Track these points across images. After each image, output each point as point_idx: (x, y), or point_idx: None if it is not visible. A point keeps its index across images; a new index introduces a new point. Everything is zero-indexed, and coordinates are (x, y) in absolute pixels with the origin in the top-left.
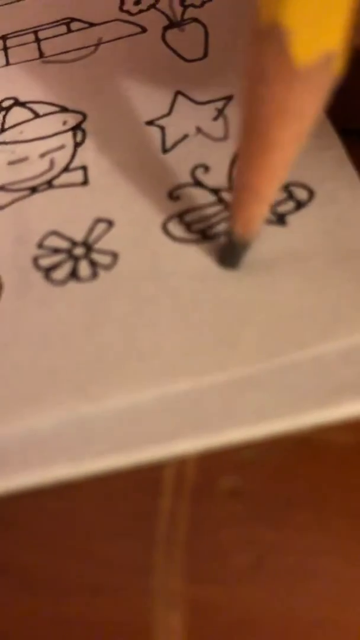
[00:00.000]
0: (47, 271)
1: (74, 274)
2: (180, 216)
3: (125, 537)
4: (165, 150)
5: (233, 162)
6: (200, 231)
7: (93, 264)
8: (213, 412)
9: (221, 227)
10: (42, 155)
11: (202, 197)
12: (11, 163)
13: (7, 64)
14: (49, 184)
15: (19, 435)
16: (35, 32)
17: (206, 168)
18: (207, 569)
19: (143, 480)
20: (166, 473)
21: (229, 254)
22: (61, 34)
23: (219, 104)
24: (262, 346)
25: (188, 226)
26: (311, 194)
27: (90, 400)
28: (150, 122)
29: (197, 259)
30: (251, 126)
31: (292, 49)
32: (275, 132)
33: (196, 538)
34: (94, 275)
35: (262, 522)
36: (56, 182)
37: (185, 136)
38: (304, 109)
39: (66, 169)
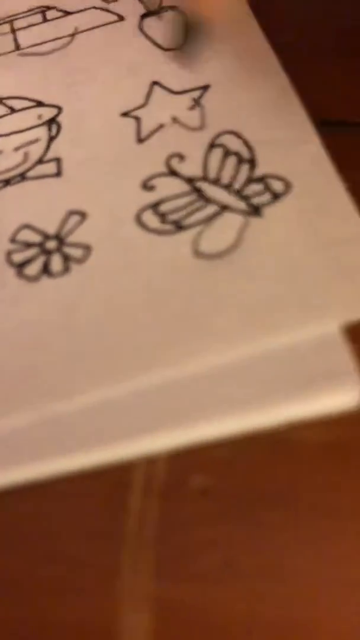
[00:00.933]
0: (20, 267)
1: (46, 269)
2: (154, 206)
3: (94, 537)
4: (140, 141)
5: (208, 151)
6: (174, 222)
7: (65, 258)
8: (183, 406)
9: (195, 217)
10: (17, 149)
11: (176, 186)
12: None
13: None
14: (22, 177)
15: None
16: (11, 22)
17: (181, 157)
18: (176, 568)
19: (112, 480)
20: (135, 472)
21: (185, 38)
22: (36, 24)
23: (195, 94)
24: (234, 335)
25: (162, 217)
26: (287, 185)
27: (60, 398)
28: (125, 114)
29: (171, 249)
30: None
31: None
32: None
33: (166, 537)
34: (67, 269)
35: (233, 521)
36: (29, 174)
37: (160, 126)
38: None
39: (40, 161)
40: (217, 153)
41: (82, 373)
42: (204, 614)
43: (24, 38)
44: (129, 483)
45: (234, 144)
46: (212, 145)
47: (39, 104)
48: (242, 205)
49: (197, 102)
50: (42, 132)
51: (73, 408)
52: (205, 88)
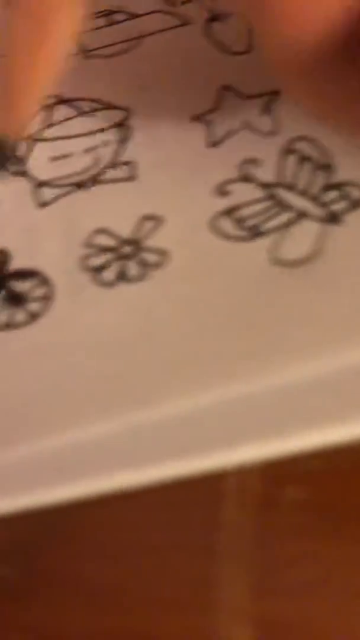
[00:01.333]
0: (96, 272)
1: (123, 275)
2: (229, 212)
3: (186, 549)
4: (211, 145)
5: (283, 157)
6: (250, 228)
7: (142, 264)
8: (274, 417)
9: (271, 223)
10: (87, 152)
11: (251, 192)
12: (55, 159)
13: None
14: (94, 180)
15: (76, 442)
16: None
17: (255, 162)
18: (272, 582)
19: (205, 490)
20: (229, 482)
21: None
22: (102, 27)
23: (266, 99)
24: (319, 347)
25: (238, 223)
26: None
27: (146, 406)
28: (196, 118)
29: (247, 256)
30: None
31: None
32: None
33: (261, 550)
34: (144, 275)
35: (329, 534)
36: (101, 178)
37: (232, 131)
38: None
39: (111, 165)
40: (292, 159)
41: (167, 380)
42: (302, 628)
43: (89, 41)
44: (222, 494)
45: (309, 149)
46: (286, 151)
47: (107, 105)
48: (320, 212)
49: (268, 107)
50: (111, 135)
51: (162, 415)
52: (276, 93)
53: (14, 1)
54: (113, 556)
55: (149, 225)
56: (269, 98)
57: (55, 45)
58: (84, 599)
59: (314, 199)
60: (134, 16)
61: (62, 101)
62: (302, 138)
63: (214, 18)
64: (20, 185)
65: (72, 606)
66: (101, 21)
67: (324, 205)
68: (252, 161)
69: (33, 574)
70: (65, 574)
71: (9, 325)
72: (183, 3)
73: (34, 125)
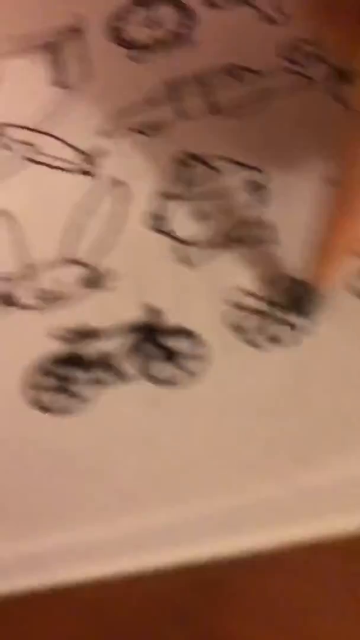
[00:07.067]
0: (247, 333)
1: (275, 338)
2: None
3: (340, 615)
4: None
5: None
6: None
7: (293, 328)
8: None
9: None
10: (225, 211)
11: None
12: (195, 218)
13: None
14: (238, 240)
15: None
16: (201, 81)
17: None
18: None
19: (349, 551)
20: None
21: (304, 303)
22: (228, 84)
23: None
24: None
25: None
26: None
27: (310, 469)
28: (331, 181)
29: None
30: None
31: None
32: None
33: None
34: (297, 340)
35: None
36: (244, 238)
37: None
38: None
39: (252, 225)
40: None
41: (327, 443)
42: None
43: (217, 98)
44: None
45: None
46: None
47: (242, 165)
48: None
49: None
50: (248, 195)
51: (323, 477)
52: None
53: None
54: (260, 616)
55: (299, 289)
56: None
57: None
58: None
59: None
60: (256, 72)
61: (201, 160)
62: None
63: (337, 77)
64: (164, 244)
65: None
66: (225, 78)
67: None
68: None
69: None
70: (208, 627)
71: (166, 383)
72: (307, 62)
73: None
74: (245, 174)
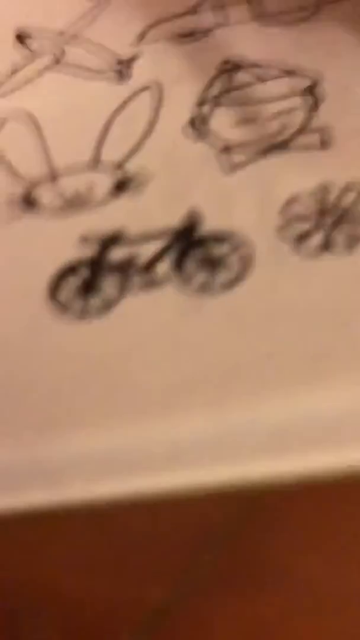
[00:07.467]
0: (296, 241)
1: (325, 246)
2: None
3: None
4: None
5: None
6: None
7: (347, 235)
8: None
9: None
10: (273, 118)
11: None
12: (240, 123)
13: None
14: (284, 147)
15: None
16: None
17: None
18: None
19: None
20: None
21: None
22: None
23: None
24: None
25: None
26: None
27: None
28: None
29: None
30: None
31: None
32: None
33: None
34: (349, 247)
35: None
36: (291, 144)
37: None
38: None
39: (301, 131)
40: None
41: None
42: None
43: (264, 6)
44: None
45: None
46: None
47: (290, 72)
48: None
49: None
50: (298, 102)
51: None
52: None
53: None
54: (332, 550)
55: (351, 195)
56: None
57: None
58: (304, 592)
59: None
60: None
61: (242, 66)
62: None
63: None
64: (203, 150)
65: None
66: None
67: None
68: None
69: (236, 562)
70: (283, 565)
71: (205, 289)
72: None
73: None
74: (294, 80)
